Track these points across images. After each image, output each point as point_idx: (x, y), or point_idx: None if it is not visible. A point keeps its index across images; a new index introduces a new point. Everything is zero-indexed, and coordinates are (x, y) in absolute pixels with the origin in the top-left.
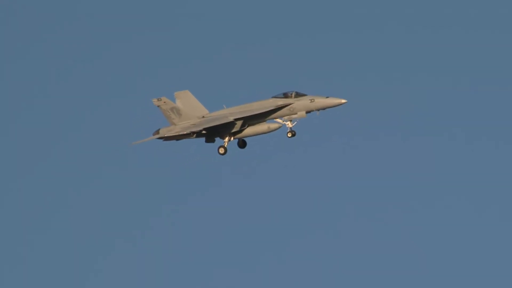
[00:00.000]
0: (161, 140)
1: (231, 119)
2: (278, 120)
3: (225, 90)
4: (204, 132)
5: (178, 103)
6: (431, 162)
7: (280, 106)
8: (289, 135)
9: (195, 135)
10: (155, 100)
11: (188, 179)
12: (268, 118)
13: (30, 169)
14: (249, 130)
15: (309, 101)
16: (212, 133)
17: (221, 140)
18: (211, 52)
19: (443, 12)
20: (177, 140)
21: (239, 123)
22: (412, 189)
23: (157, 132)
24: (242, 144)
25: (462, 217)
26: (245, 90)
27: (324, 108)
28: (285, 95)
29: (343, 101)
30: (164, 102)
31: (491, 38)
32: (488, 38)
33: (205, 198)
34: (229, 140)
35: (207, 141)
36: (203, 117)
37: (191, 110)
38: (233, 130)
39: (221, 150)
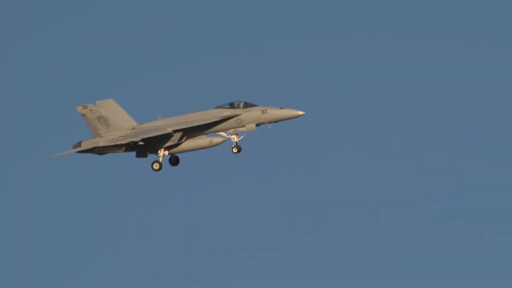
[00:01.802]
0: (82, 153)
1: (169, 130)
2: (222, 133)
3: (155, 100)
4: (141, 143)
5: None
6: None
7: (225, 117)
8: (235, 150)
9: (124, 148)
10: (80, 107)
11: (124, 197)
12: (210, 130)
13: None
14: (187, 144)
15: (261, 112)
16: (145, 146)
17: (153, 155)
18: (137, 56)
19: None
20: (100, 154)
21: (177, 136)
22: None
23: (79, 144)
24: (174, 160)
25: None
26: (181, 100)
27: (277, 121)
28: (232, 106)
29: (300, 113)
30: (91, 110)
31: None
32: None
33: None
34: (163, 155)
35: (138, 155)
36: (133, 128)
37: (119, 121)
38: (169, 144)
39: (156, 166)
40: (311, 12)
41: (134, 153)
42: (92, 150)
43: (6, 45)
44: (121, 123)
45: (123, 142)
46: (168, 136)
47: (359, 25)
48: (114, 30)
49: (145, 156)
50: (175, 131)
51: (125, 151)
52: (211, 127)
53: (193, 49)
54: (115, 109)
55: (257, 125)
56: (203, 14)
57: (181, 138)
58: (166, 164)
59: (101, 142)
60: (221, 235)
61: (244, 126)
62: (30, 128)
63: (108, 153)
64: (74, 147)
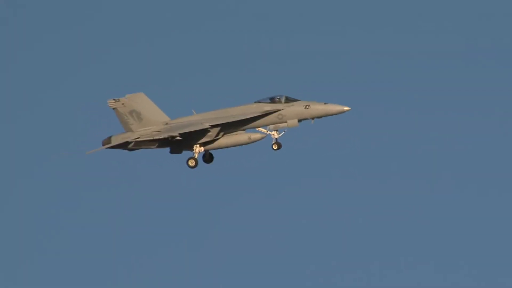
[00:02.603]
0: (112, 149)
1: (207, 125)
2: (261, 129)
3: (186, 94)
4: (179, 138)
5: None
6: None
7: (266, 112)
8: (275, 147)
9: (157, 144)
10: (111, 101)
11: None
12: (248, 126)
13: None
14: (224, 140)
15: (304, 107)
16: (181, 142)
17: (187, 151)
18: (167, 49)
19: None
20: (130, 150)
21: (214, 131)
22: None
23: (109, 139)
24: (209, 157)
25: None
26: (212, 95)
27: (320, 116)
28: (272, 100)
29: (346, 108)
30: (123, 103)
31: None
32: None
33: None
34: (199, 151)
35: (172, 151)
36: (167, 123)
37: (152, 115)
38: (205, 140)
39: (192, 162)
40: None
41: (165, 149)
42: (123, 146)
43: (35, 39)
44: (154, 118)
45: (162, 137)
46: (204, 132)
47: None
48: (143, 25)
49: (180, 152)
50: (212, 126)
51: (158, 147)
52: (250, 123)
53: (222, 44)
54: (146, 103)
55: (299, 120)
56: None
57: (217, 134)
58: (200, 161)
59: (136, 137)
60: (256, 237)
61: (286, 122)
62: (57, 123)
63: (139, 149)
64: (104, 142)
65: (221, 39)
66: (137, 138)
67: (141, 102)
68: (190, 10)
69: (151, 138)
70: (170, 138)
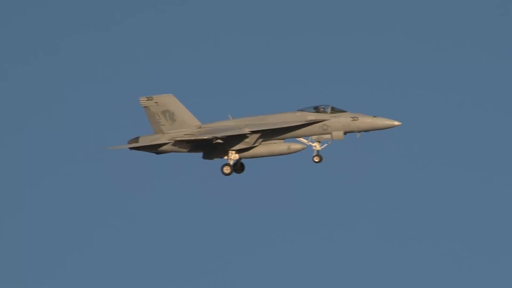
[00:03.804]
0: (138, 150)
1: (246, 131)
2: (302, 139)
3: (218, 98)
4: (220, 141)
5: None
6: None
7: (310, 122)
8: (316, 159)
9: (189, 148)
10: (144, 99)
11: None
12: (289, 135)
13: None
14: (261, 149)
15: (351, 119)
16: (215, 147)
17: (220, 158)
18: (200, 47)
19: None
20: (158, 153)
21: (252, 138)
22: None
23: (136, 140)
24: (240, 166)
25: None
26: (243, 100)
27: (368, 130)
28: (317, 109)
29: (396, 123)
30: (156, 102)
31: None
32: None
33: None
34: (234, 158)
35: (205, 157)
36: (200, 127)
37: (185, 117)
38: (242, 146)
39: (227, 170)
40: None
41: (194, 154)
42: (151, 148)
43: (68, 37)
44: (187, 120)
45: (205, 137)
46: (242, 138)
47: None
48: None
49: (212, 158)
50: (252, 132)
51: (190, 151)
52: (291, 131)
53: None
54: (177, 105)
55: (345, 133)
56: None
57: (255, 141)
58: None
59: (174, 137)
60: (288, 258)
61: (330, 134)
62: (82, 121)
63: (168, 152)
64: (130, 142)
65: (258, 42)
66: (177, 138)
67: (173, 103)
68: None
69: (194, 138)
70: (214, 140)
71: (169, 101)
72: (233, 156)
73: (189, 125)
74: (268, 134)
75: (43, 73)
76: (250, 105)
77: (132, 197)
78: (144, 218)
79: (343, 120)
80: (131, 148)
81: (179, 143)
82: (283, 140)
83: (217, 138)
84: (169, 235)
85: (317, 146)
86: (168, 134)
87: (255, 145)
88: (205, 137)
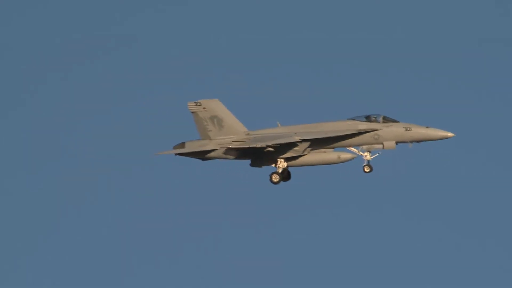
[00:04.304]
0: (183, 156)
1: (297, 139)
2: (353, 149)
3: (262, 103)
4: (271, 149)
5: None
6: None
7: (362, 131)
8: (367, 169)
9: (236, 155)
10: (192, 104)
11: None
12: (339, 144)
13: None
14: (310, 157)
15: (404, 129)
16: (263, 155)
17: (267, 165)
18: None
19: None
20: (203, 159)
21: (302, 146)
22: None
23: (182, 145)
24: (286, 174)
25: None
26: (294, 107)
27: (421, 141)
28: (368, 118)
29: (450, 134)
30: (204, 108)
31: None
32: None
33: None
34: (283, 166)
35: (253, 164)
36: (248, 134)
37: (233, 123)
38: (291, 155)
39: (276, 178)
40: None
41: (237, 161)
42: (198, 154)
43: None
44: (235, 126)
45: (258, 146)
46: (291, 146)
47: None
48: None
49: (260, 166)
50: (303, 140)
51: (236, 158)
52: (342, 140)
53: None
54: (224, 111)
55: (397, 143)
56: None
57: (305, 150)
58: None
59: (223, 143)
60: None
61: (382, 143)
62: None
63: (214, 158)
64: (176, 147)
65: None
66: (230, 145)
67: (219, 109)
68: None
69: (247, 146)
70: (266, 148)
71: (216, 107)
72: (281, 164)
73: (237, 132)
74: (318, 143)
75: (90, 77)
76: (295, 112)
77: (181, 203)
78: (193, 224)
79: (395, 130)
80: (178, 154)
81: (230, 150)
82: (332, 149)
83: (269, 146)
84: (217, 242)
85: (367, 155)
86: (216, 141)
87: (304, 153)
88: (258, 146)
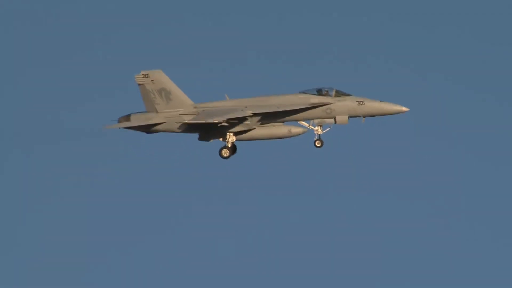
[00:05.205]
0: (128, 129)
1: (249, 113)
2: (303, 123)
3: (204, 74)
4: (225, 124)
5: None
6: None
7: (314, 105)
8: (318, 144)
9: (183, 128)
10: (139, 76)
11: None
12: (290, 118)
13: None
14: (260, 132)
15: (357, 103)
16: (214, 129)
17: (215, 139)
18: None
19: None
20: (148, 132)
21: (253, 121)
22: None
23: (127, 118)
24: (232, 148)
25: None
26: (231, 81)
27: (374, 115)
28: (320, 92)
29: (404, 109)
30: (152, 80)
31: None
32: None
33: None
34: (232, 140)
35: (201, 138)
36: (195, 107)
37: (180, 96)
38: (241, 129)
39: (226, 153)
40: None
41: (183, 134)
42: (144, 127)
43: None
44: (182, 99)
45: (215, 121)
46: (241, 120)
47: None
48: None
49: (208, 140)
50: (254, 114)
51: (183, 132)
52: (293, 114)
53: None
54: (170, 84)
55: (349, 117)
56: None
57: (255, 124)
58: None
59: (162, 120)
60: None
61: (333, 118)
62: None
63: (160, 131)
64: (121, 120)
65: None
66: (186, 121)
67: (167, 81)
68: None
69: (204, 121)
70: (220, 123)
71: (163, 79)
72: (231, 138)
73: (184, 105)
74: (269, 117)
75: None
76: (242, 83)
77: (136, 179)
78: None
79: (348, 104)
80: (125, 128)
81: (187, 125)
82: (283, 123)
83: (219, 122)
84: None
85: (319, 130)
86: (163, 114)
87: (253, 127)
88: (215, 121)
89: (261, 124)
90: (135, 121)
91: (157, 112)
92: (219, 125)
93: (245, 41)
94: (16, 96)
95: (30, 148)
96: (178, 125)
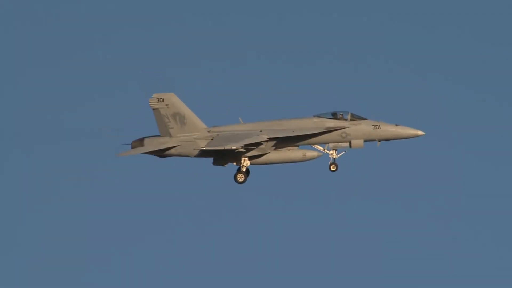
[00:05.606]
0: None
1: (264, 137)
2: (318, 147)
3: (216, 98)
4: (242, 150)
5: None
6: None
7: (329, 129)
8: (333, 168)
9: (198, 152)
10: (154, 100)
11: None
12: (305, 142)
13: None
14: (275, 156)
15: (372, 127)
16: (228, 154)
17: (230, 163)
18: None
19: None
20: (161, 156)
21: (268, 145)
22: None
23: (140, 142)
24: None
25: None
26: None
27: (389, 139)
28: (335, 116)
29: (420, 133)
30: (167, 104)
31: None
32: None
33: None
34: (247, 165)
35: (215, 163)
36: (209, 131)
37: (194, 120)
38: (256, 153)
39: (241, 177)
40: None
41: (198, 159)
42: (158, 151)
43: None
44: (196, 123)
45: (234, 147)
46: (256, 144)
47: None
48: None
49: (223, 164)
50: (270, 139)
51: (197, 156)
52: (309, 139)
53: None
54: (184, 107)
55: (365, 141)
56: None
57: (270, 148)
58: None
59: (198, 143)
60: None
61: (349, 142)
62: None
63: (173, 155)
64: (134, 143)
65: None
66: (203, 147)
67: (181, 105)
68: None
69: (222, 147)
70: (238, 149)
71: (177, 103)
72: (245, 163)
73: (198, 129)
74: (285, 141)
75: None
76: (242, 83)
77: (152, 202)
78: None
79: (364, 128)
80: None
81: (203, 152)
82: (297, 147)
83: (243, 147)
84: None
85: (333, 154)
86: (177, 138)
87: (268, 151)
88: (234, 147)
89: (275, 148)
90: (149, 146)
91: (171, 136)
92: (236, 150)
93: (245, 41)
94: (16, 96)
95: (30, 148)
96: (193, 149)
